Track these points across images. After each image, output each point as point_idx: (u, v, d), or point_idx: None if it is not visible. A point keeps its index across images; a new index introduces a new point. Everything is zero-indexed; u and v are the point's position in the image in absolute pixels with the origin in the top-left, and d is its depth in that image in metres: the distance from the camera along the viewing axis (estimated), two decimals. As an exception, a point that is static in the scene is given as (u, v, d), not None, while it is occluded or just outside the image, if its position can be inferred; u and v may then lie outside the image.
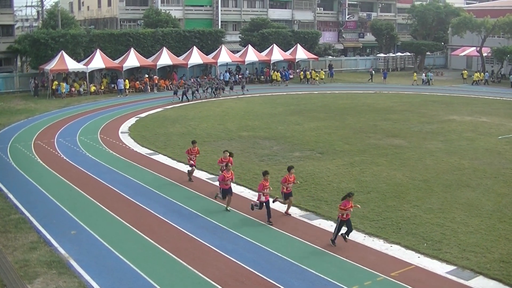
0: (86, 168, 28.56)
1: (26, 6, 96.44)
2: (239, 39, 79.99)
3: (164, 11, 74.97)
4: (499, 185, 24.97)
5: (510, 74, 73.12)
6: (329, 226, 20.01)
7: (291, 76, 71.87)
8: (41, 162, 30.00)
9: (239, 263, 16.93)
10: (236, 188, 24.73)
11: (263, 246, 18.20)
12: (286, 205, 21.61)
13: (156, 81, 61.86)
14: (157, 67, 61.87)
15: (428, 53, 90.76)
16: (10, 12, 68.72)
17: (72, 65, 56.58)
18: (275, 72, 70.51)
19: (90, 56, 58.90)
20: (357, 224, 20.04)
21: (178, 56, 64.70)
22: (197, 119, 43.02)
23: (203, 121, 41.87)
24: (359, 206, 19.25)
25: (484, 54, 79.26)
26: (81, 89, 58.50)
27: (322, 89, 64.22)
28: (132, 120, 42.92)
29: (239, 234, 19.30)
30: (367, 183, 25.38)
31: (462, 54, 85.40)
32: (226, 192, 21.84)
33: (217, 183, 25.58)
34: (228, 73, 68.40)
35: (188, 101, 52.64)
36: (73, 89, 57.74)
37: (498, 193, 23.79)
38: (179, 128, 39.16)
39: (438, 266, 16.58)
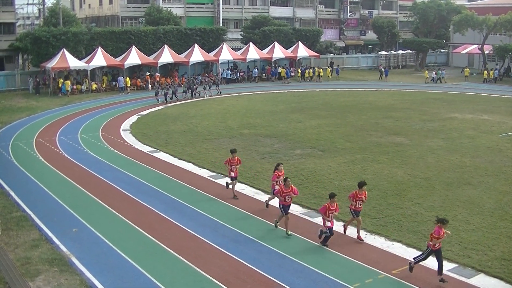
0: (88, 166, 28.58)
1: (28, 4, 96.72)
2: (241, 37, 79.98)
3: (166, 8, 74.98)
4: (501, 183, 24.95)
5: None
6: (331, 224, 20.02)
7: (293, 74, 71.82)
8: (42, 160, 30.03)
9: (241, 260, 16.95)
10: (237, 186, 24.74)
11: (265, 244, 18.21)
12: (356, 227, 18.94)
13: (158, 79, 61.82)
14: (159, 65, 61.86)
15: (429, 50, 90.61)
16: (12, 10, 68.61)
17: (73, 63, 56.58)
18: (283, 69, 70.91)
19: (92, 54, 58.92)
20: (358, 222, 20.07)
21: (179, 54, 64.67)
22: (198, 116, 43.03)
23: (205, 119, 41.87)
24: (449, 232, 16.35)
25: (486, 52, 79.16)
26: (83, 87, 58.49)
27: (324, 87, 64.19)
28: (134, 118, 42.94)
29: (241, 232, 19.30)
30: (369, 180, 25.27)
31: (464, 51, 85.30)
32: (286, 209, 19.11)
33: (219, 181, 25.69)
34: (229, 71, 68.45)
35: (167, 103, 50.44)
36: (74, 87, 57.73)
37: (500, 191, 23.77)
38: (180, 126, 39.17)
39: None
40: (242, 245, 18.14)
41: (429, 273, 16.03)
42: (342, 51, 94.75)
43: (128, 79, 59.52)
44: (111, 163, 29.21)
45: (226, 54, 66.81)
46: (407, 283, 15.50)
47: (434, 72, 72.01)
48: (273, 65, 71.87)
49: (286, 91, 60.39)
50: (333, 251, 17.71)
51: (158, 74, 62.18)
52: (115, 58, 60.56)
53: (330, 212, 17.80)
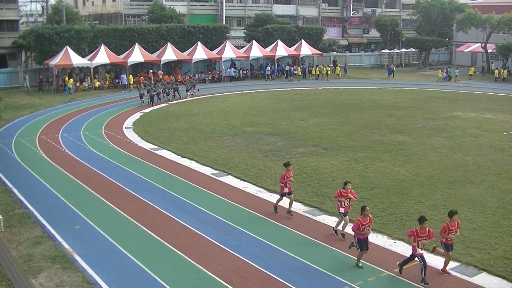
0: (90, 163, 28.61)
1: (31, 1, 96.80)
2: (244, 35, 79.93)
3: (169, 6, 74.98)
4: (503, 182, 24.92)
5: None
6: (333, 221, 20.00)
7: (295, 72, 71.84)
8: (45, 157, 30.07)
9: (243, 258, 16.95)
10: (240, 184, 24.80)
11: (267, 242, 18.21)
12: (444, 261, 16.46)
13: (161, 77, 61.87)
14: (162, 63, 61.89)
15: (432, 49, 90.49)
16: (15, 7, 68.74)
17: (76, 60, 56.65)
18: (298, 67, 71.49)
19: (95, 52, 58.98)
20: (360, 220, 20.05)
21: (182, 52, 64.72)
22: (201, 114, 43.04)
23: (207, 117, 41.88)
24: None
25: (489, 51, 79.04)
26: (85, 84, 58.51)
27: (327, 85, 64.16)
28: (137, 115, 42.97)
29: (243, 230, 19.31)
30: (371, 179, 25.36)
31: (467, 50, 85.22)
32: (363, 244, 16.38)
33: (221, 179, 25.70)
34: (233, 69, 68.44)
35: (152, 105, 47.89)
36: (77, 84, 57.77)
37: (502, 190, 23.74)
38: (183, 124, 39.18)
39: (442, 263, 16.52)
40: (244, 243, 18.14)
41: (431, 272, 16.01)
42: (345, 49, 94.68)
43: (131, 76, 59.54)
44: (114, 160, 29.24)
45: (229, 52, 66.84)
46: (409, 281, 15.48)
47: (445, 71, 71.84)
48: (276, 63, 71.83)
49: (289, 89, 60.38)
50: (335, 249, 17.71)
51: (161, 71, 62.26)
52: (118, 55, 60.61)
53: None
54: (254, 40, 70.90)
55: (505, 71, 71.38)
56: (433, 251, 16.79)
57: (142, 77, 61.74)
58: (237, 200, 22.52)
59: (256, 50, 68.86)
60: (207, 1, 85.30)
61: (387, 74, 72.54)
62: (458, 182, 24.84)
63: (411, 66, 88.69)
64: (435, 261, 16.64)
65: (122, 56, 60.63)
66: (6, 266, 16.25)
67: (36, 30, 61.38)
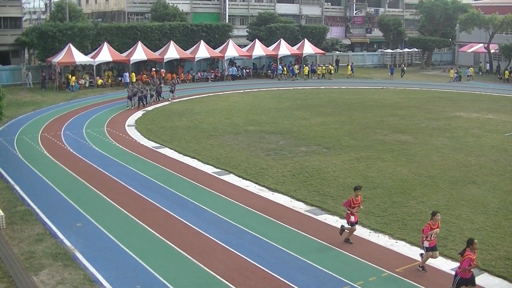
0: (92, 161, 28.63)
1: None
2: (247, 34, 79.88)
3: (172, 4, 74.94)
4: (505, 182, 24.89)
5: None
6: (335, 221, 20.03)
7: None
8: (47, 154, 30.09)
9: (245, 257, 16.95)
10: (242, 183, 24.80)
11: (268, 241, 18.21)
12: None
13: (163, 75, 61.88)
14: (164, 61, 61.87)
15: (435, 49, 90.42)
16: (18, 5, 68.92)
17: (79, 58, 56.66)
18: (305, 66, 71.52)
19: (98, 49, 58.97)
20: (362, 219, 20.02)
21: (185, 50, 64.68)
22: (203, 113, 43.04)
23: (210, 115, 41.89)
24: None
25: (492, 51, 78.95)
26: (82, 81, 58.42)
27: (329, 84, 64.14)
28: (139, 114, 42.98)
29: (245, 228, 19.31)
30: (373, 178, 25.35)
31: (470, 50, 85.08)
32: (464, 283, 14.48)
33: (223, 178, 25.68)
34: (235, 68, 68.42)
35: (139, 107, 45.48)
36: (80, 81, 57.76)
37: (504, 191, 23.72)
38: (186, 122, 39.19)
39: (443, 263, 16.56)
40: (246, 242, 18.14)
41: (432, 272, 16.01)
42: (348, 48, 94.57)
43: (133, 74, 59.54)
44: (116, 158, 29.26)
45: (232, 50, 66.80)
46: (410, 281, 15.48)
47: (455, 71, 71.72)
48: (279, 62, 71.86)
49: (292, 88, 60.37)
50: (337, 248, 17.70)
51: (163, 70, 62.27)
52: (121, 53, 60.61)
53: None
54: (257, 39, 70.82)
55: (506, 72, 71.35)
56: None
57: (144, 75, 61.75)
58: (239, 199, 22.52)
59: (259, 49, 68.81)
60: (210, 0, 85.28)
61: (389, 73, 72.44)
62: (460, 183, 24.82)
63: (413, 66, 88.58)
64: (435, 261, 16.61)
65: (125, 54, 60.63)
66: (7, 263, 16.27)
67: (39, 27, 61.42)
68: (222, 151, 30.73)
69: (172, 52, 62.38)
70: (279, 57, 70.82)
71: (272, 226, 19.69)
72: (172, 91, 50.98)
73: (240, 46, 71.86)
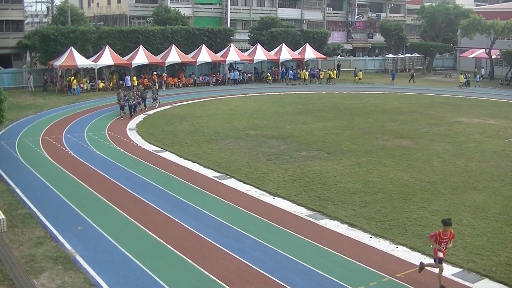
0: (93, 164, 28.64)
1: (36, 2, 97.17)
2: (248, 38, 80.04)
3: (174, 8, 75.11)
4: (506, 188, 24.88)
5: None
6: (335, 226, 20.03)
7: (291, 77, 71.65)
8: (48, 157, 30.10)
9: (245, 261, 16.94)
10: (242, 187, 24.80)
11: (269, 245, 18.20)
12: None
13: (165, 79, 61.95)
14: (166, 65, 61.93)
15: (437, 54, 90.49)
16: (20, 8, 69.07)
17: (81, 61, 56.68)
18: (304, 71, 71.51)
19: (99, 53, 59.03)
20: (363, 224, 20.06)
21: (186, 54, 64.75)
22: (205, 117, 43.06)
23: (211, 119, 41.90)
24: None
25: (493, 57, 79.00)
26: (86, 86, 58.56)
27: (330, 89, 64.16)
28: (140, 117, 42.99)
29: (245, 233, 19.30)
30: (374, 183, 25.35)
31: (471, 56, 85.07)
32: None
33: (224, 182, 25.66)
34: (237, 72, 68.46)
35: (130, 117, 43.00)
36: (82, 85, 57.84)
37: (505, 196, 23.71)
38: (187, 126, 39.20)
39: (444, 268, 16.53)
40: (247, 246, 18.13)
41: (433, 277, 15.98)
42: (349, 53, 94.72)
43: (135, 78, 59.61)
44: (117, 162, 29.26)
45: (233, 55, 66.85)
46: (411, 286, 15.45)
47: (464, 76, 71.74)
48: (280, 66, 72.00)
49: (293, 92, 60.41)
50: (337, 253, 17.68)
51: (165, 74, 62.34)
52: (123, 57, 60.67)
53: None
54: (258, 43, 70.92)
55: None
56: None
57: (146, 79, 61.83)
58: (240, 203, 22.51)
59: (261, 54, 68.88)
60: (212, 4, 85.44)
61: (391, 79, 72.45)
62: (461, 188, 24.81)
63: (415, 71, 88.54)
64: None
65: (126, 58, 60.68)
66: (8, 266, 16.27)
67: (41, 30, 61.51)
68: (223, 155, 30.73)
69: (174, 56, 62.43)
70: (280, 61, 70.93)
71: (272, 231, 19.68)
72: (155, 99, 48.20)
73: (241, 50, 72.00)
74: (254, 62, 69.50)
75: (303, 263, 16.84)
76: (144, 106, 46.93)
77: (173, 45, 63.52)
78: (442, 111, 48.07)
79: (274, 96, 56.85)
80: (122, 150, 32.14)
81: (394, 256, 17.55)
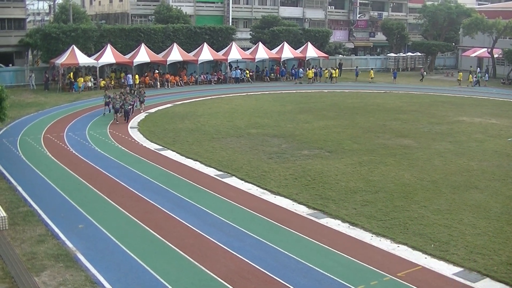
0: (95, 162, 28.66)
1: (38, 0, 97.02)
2: (250, 36, 79.99)
3: (175, 7, 75.01)
4: (508, 187, 24.87)
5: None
6: (336, 225, 20.04)
7: (301, 75, 71.72)
8: (50, 155, 30.13)
9: (246, 260, 16.96)
10: (244, 186, 24.81)
11: (270, 244, 18.21)
12: None
13: (167, 77, 61.95)
14: (167, 63, 61.89)
15: (438, 53, 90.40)
16: (22, 6, 69.09)
17: (82, 59, 56.70)
18: (312, 70, 71.33)
19: (101, 51, 59.00)
20: (364, 223, 20.06)
21: (188, 53, 64.69)
22: (206, 115, 43.07)
23: (212, 118, 41.91)
24: None
25: (495, 56, 78.92)
26: (90, 83, 58.62)
27: (332, 88, 64.13)
28: (142, 116, 43.00)
29: (246, 231, 19.31)
30: (375, 182, 25.34)
31: (473, 55, 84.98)
32: None
33: (225, 180, 25.67)
34: (239, 70, 68.42)
35: (127, 122, 40.11)
36: (87, 83, 57.92)
37: (507, 196, 23.69)
38: (188, 124, 39.21)
39: (445, 267, 16.55)
40: (248, 245, 18.15)
41: (434, 276, 16.00)
42: (351, 52, 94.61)
43: (136, 76, 59.61)
44: (118, 160, 29.29)
45: (235, 53, 66.79)
46: (412, 285, 15.46)
47: (474, 76, 71.62)
48: (281, 64, 72.02)
49: (294, 91, 60.38)
50: (338, 252, 17.69)
51: (168, 72, 62.31)
52: (124, 55, 60.66)
53: None
54: (260, 42, 70.89)
55: None
56: None
57: (147, 77, 61.84)
58: (241, 202, 22.52)
59: (262, 52, 68.82)
60: (214, 2, 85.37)
61: (392, 77, 72.33)
62: (463, 187, 24.80)
63: (416, 70, 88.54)
64: (437, 265, 16.63)
65: (128, 56, 60.65)
66: (9, 263, 16.29)
67: (43, 29, 61.45)
68: (225, 153, 30.74)
69: (175, 54, 62.37)
70: (282, 60, 70.91)
71: (273, 229, 19.69)
72: (142, 102, 45.29)
73: (243, 49, 71.91)
74: (255, 61, 69.46)
75: (304, 262, 16.85)
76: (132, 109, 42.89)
77: (175, 44, 63.46)
78: (444, 110, 48.04)
79: (275, 95, 56.84)
80: (123, 148, 32.16)
81: (395, 255, 17.55)
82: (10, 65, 64.54)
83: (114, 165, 28.30)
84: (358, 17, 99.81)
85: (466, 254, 17.51)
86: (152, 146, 32.86)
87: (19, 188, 24.00)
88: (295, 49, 72.53)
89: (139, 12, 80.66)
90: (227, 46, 68.31)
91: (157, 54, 62.76)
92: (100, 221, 20.16)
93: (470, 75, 71.87)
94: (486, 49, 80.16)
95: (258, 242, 18.39)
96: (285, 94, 57.83)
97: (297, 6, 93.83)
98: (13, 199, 22.55)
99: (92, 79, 59.15)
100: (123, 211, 21.36)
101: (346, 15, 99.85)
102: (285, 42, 71.75)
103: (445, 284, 15.61)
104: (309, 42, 74.04)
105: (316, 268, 16.44)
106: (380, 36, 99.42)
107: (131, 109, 41.59)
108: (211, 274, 15.98)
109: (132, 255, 17.21)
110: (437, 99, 56.10)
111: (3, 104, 30.10)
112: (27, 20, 77.80)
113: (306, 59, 73.92)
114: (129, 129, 37.55)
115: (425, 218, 20.79)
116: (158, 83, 60.88)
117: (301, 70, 71.00)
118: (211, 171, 27.29)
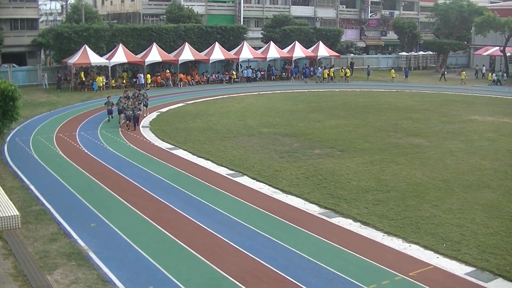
0: (107, 161, 28.78)
1: (51, 0, 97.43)
2: (261, 36, 79.98)
3: (187, 6, 75.14)
4: (521, 187, 24.74)
5: None
6: (348, 224, 20.01)
7: (319, 75, 71.52)
8: (62, 154, 30.27)
9: (257, 259, 16.96)
10: (255, 185, 24.81)
11: (281, 243, 18.21)
12: None
13: (181, 76, 62.09)
14: (179, 63, 62.02)
15: (450, 52, 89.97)
16: (35, 6, 69.60)
17: (94, 59, 56.98)
18: (331, 69, 71.52)
19: (113, 51, 59.24)
20: (376, 222, 20.01)
21: (200, 52, 64.81)
22: (217, 114, 43.11)
23: (224, 117, 41.95)
24: None
25: (508, 54, 78.40)
26: (102, 83, 58.88)
27: (343, 87, 64.02)
28: (153, 115, 43.12)
29: (258, 230, 19.32)
30: (387, 182, 25.27)
31: (485, 53, 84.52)
32: None
33: (237, 179, 25.69)
34: (250, 70, 68.45)
35: (134, 129, 37.48)
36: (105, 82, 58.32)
37: (519, 195, 23.58)
38: (200, 124, 39.27)
39: (457, 267, 16.48)
40: (259, 244, 18.15)
41: (445, 276, 15.94)
42: (362, 51, 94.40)
43: (148, 75, 59.79)
44: (130, 159, 29.38)
45: (246, 52, 66.86)
46: (423, 285, 15.41)
47: (494, 74, 71.24)
48: (293, 64, 71.95)
49: (306, 90, 60.33)
50: (350, 251, 17.66)
51: (181, 72, 62.44)
52: (136, 55, 60.85)
53: None
54: (271, 41, 70.90)
55: None
56: None
57: (159, 77, 62.01)
58: (253, 201, 22.53)
59: (274, 51, 68.84)
60: (225, 2, 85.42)
61: (404, 76, 72.09)
62: (475, 186, 24.67)
63: (428, 69, 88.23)
64: (449, 265, 16.57)
65: (140, 56, 60.87)
66: (22, 262, 16.39)
67: (55, 28, 61.83)
68: (236, 153, 30.76)
69: (187, 53, 62.49)
70: (293, 59, 70.88)
71: (285, 228, 19.69)
72: (145, 105, 43.25)
73: (254, 48, 71.92)
74: (267, 60, 69.47)
75: (315, 261, 16.83)
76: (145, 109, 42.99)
77: (186, 43, 63.60)
78: (455, 109, 47.82)
79: (286, 94, 56.81)
80: (135, 147, 32.26)
81: (407, 255, 17.50)
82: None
83: (126, 164, 28.40)
84: (370, 16, 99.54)
85: (478, 253, 17.42)
86: (164, 145, 32.94)
87: (32, 187, 24.14)
88: (307, 48, 72.49)
89: (150, 11, 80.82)
90: (238, 45, 68.42)
91: (169, 53, 62.93)
92: (112, 220, 20.24)
93: (490, 74, 71.46)
94: (498, 47, 79.67)
95: (270, 241, 18.39)
96: (297, 93, 57.78)
97: (308, 5, 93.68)
98: (25, 197, 22.68)
99: (104, 79, 59.38)
100: (135, 210, 21.42)
101: (357, 14, 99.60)
102: (296, 41, 71.74)
103: (457, 284, 15.55)
104: (320, 41, 74.00)
105: (328, 267, 16.42)
106: (392, 35, 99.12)
107: (138, 114, 38.37)
108: (222, 273, 16.00)
109: (144, 253, 17.26)
110: (448, 98, 55.86)
111: (16, 104, 30.16)
112: (40, 20, 78.22)
113: (318, 58, 73.84)
114: (141, 129, 37.66)
115: (437, 217, 20.71)
116: (171, 83, 61.01)
117: (319, 69, 71.06)
118: (223, 170, 27.32)
